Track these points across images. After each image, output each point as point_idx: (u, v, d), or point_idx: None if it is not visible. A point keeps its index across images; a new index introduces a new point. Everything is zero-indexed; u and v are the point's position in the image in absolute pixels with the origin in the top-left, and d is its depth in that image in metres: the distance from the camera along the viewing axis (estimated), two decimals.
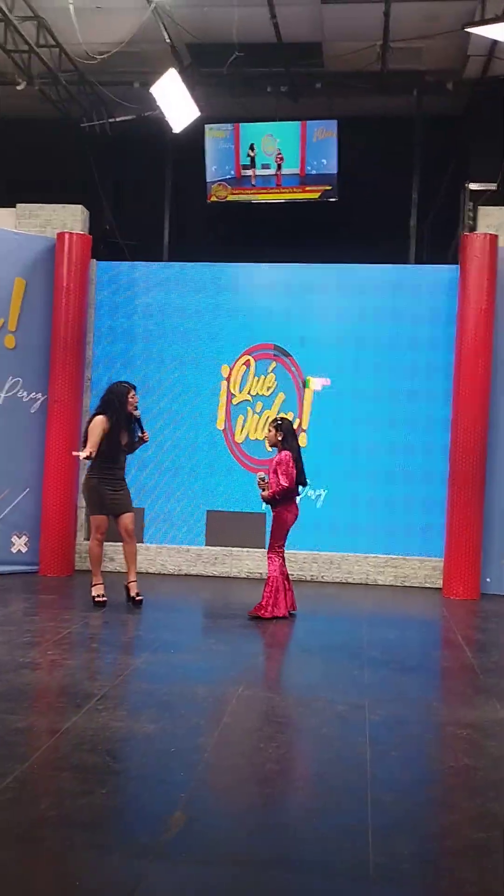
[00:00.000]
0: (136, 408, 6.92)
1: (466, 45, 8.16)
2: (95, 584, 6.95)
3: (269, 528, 7.17)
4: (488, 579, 8.20)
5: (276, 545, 6.83)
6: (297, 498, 6.92)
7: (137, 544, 7.39)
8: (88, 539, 8.71)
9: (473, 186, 8.44)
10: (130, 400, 6.88)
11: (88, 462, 6.90)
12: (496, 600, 7.99)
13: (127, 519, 6.93)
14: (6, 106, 9.48)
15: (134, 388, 7.00)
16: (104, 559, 8.61)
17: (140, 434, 6.97)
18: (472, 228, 8.33)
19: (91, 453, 6.71)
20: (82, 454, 6.78)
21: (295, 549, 8.46)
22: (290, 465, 6.68)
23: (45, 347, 8.43)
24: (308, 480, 6.97)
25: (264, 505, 7.01)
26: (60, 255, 8.41)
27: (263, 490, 6.77)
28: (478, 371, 7.99)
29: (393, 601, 7.93)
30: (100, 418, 6.84)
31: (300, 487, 6.89)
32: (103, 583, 6.99)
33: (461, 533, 8.03)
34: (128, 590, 6.98)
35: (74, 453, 6.84)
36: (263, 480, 6.78)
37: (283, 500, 6.73)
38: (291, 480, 6.67)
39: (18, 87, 8.39)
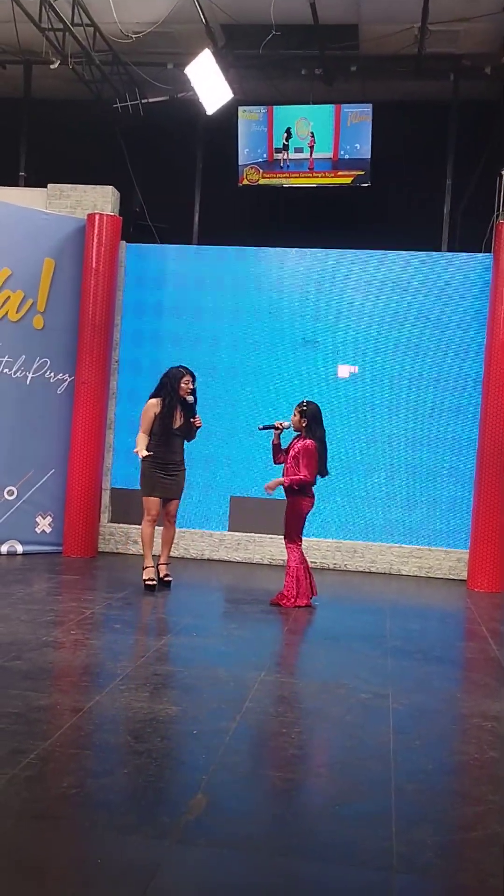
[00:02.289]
0: (189, 393, 6.84)
1: None
2: (146, 568, 6.93)
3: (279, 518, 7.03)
4: None
5: (295, 534, 6.67)
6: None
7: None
8: (113, 521, 8.78)
9: None
10: (183, 385, 6.82)
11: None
12: None
13: (172, 506, 6.96)
14: (39, 86, 9.47)
15: (192, 374, 6.91)
16: (129, 541, 8.67)
17: (192, 419, 6.90)
18: None
19: (147, 452, 6.68)
20: (141, 454, 6.71)
21: (319, 537, 8.45)
22: (314, 456, 6.48)
23: (73, 328, 8.42)
24: (329, 471, 6.74)
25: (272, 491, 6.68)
26: (90, 237, 8.39)
27: (277, 434, 6.61)
28: None
29: (416, 592, 7.87)
30: (152, 401, 6.85)
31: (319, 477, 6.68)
32: (154, 566, 6.97)
33: (487, 524, 7.94)
34: (158, 570, 7.04)
35: (136, 451, 6.79)
36: (282, 427, 6.61)
37: (300, 490, 6.55)
38: (312, 473, 6.47)
39: (52, 67, 8.35)
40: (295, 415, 6.65)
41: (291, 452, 6.57)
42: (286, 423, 6.71)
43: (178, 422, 6.87)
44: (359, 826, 3.04)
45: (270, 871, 2.74)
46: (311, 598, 6.73)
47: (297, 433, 6.67)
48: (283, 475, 6.60)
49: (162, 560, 7.09)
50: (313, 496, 6.68)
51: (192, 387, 6.89)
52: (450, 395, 8.40)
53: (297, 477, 6.46)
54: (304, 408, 6.60)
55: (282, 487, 6.60)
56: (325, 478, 6.62)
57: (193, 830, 2.93)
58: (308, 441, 6.51)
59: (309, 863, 2.79)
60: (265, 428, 6.91)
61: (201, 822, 3.00)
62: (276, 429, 6.69)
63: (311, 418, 6.57)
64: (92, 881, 2.63)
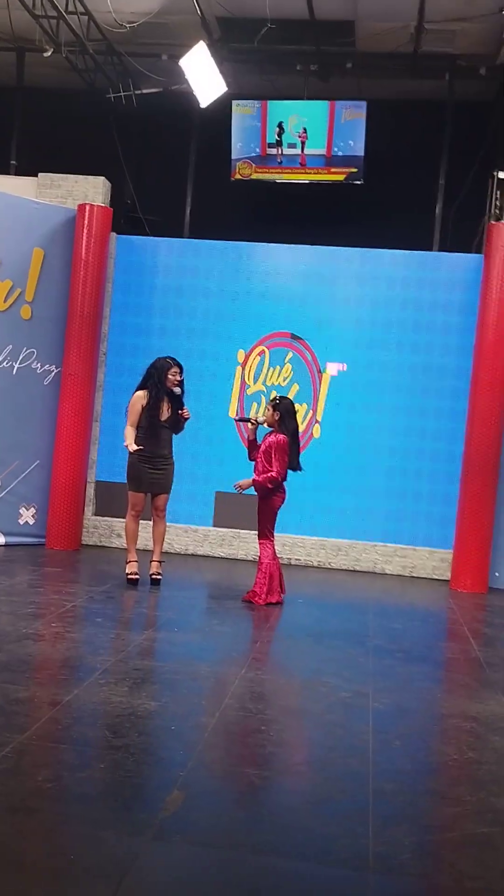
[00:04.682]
0: (177, 385, 6.74)
1: (501, 29, 8.02)
2: (130, 562, 6.85)
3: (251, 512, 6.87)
4: (497, 573, 8.13)
5: (267, 530, 6.60)
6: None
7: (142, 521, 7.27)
8: (97, 514, 8.74)
9: (502, 175, 8.30)
10: (170, 377, 6.73)
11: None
12: None
13: (160, 500, 6.84)
14: (32, 74, 9.39)
15: (179, 365, 6.79)
16: (113, 535, 8.63)
17: (179, 410, 6.79)
18: (499, 218, 8.20)
19: (137, 446, 6.60)
20: (131, 447, 6.63)
21: (303, 535, 8.45)
22: (286, 451, 6.38)
23: (60, 319, 8.36)
24: (302, 466, 6.66)
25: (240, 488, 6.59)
26: (80, 227, 8.33)
27: (252, 428, 6.55)
28: (497, 361, 7.88)
29: (400, 591, 7.87)
30: (138, 394, 6.75)
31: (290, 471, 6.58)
32: (137, 560, 6.88)
33: (472, 525, 7.95)
34: (150, 566, 6.90)
35: (125, 444, 6.73)
36: (257, 422, 6.57)
37: (271, 485, 6.47)
38: (283, 469, 6.40)
39: (45, 55, 8.30)
40: (268, 409, 6.59)
41: (262, 447, 6.50)
42: (261, 419, 6.67)
43: (165, 414, 6.76)
44: (336, 824, 3.03)
45: (246, 869, 2.72)
46: (282, 596, 6.65)
47: (269, 428, 6.60)
48: (254, 472, 6.55)
49: (154, 557, 6.92)
50: (284, 491, 6.60)
51: (179, 378, 6.78)
52: (438, 395, 8.39)
53: (268, 475, 6.37)
54: (277, 402, 6.54)
55: (258, 489, 6.52)
56: (317, 477, 6.58)
57: (169, 827, 2.91)
58: (280, 436, 6.44)
59: (285, 860, 2.77)
60: (241, 420, 6.87)
61: (177, 818, 2.98)
62: (252, 423, 6.64)
63: (284, 412, 6.50)
64: (65, 876, 2.60)
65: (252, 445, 6.64)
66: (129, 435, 6.70)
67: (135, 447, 6.62)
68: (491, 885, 2.72)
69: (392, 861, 2.79)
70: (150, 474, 6.76)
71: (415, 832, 3.02)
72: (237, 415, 6.87)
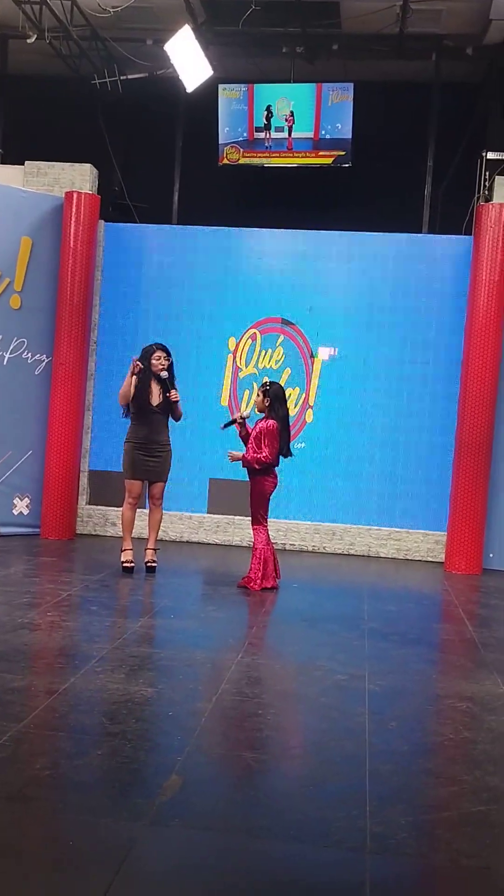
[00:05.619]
0: (163, 369, 6.74)
1: (488, 9, 7.95)
2: (125, 550, 6.86)
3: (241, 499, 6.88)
4: (491, 554, 8.17)
5: (260, 516, 6.60)
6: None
7: (140, 510, 7.27)
8: (91, 503, 8.73)
9: (490, 156, 8.28)
10: (154, 361, 6.73)
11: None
12: (498, 576, 7.96)
13: (156, 488, 6.85)
14: (16, 61, 9.29)
15: (164, 349, 6.82)
16: (107, 523, 8.63)
17: (167, 394, 6.76)
18: (488, 199, 8.19)
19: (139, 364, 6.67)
20: (137, 366, 6.68)
21: (297, 520, 8.46)
22: (276, 436, 6.40)
23: (50, 308, 8.33)
24: (293, 453, 6.70)
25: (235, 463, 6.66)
26: (68, 215, 8.28)
27: (240, 426, 6.55)
28: (488, 343, 7.88)
29: (394, 574, 7.90)
30: (127, 380, 6.77)
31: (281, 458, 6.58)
32: (133, 548, 6.88)
33: (465, 507, 7.97)
34: (144, 554, 6.91)
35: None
36: (243, 419, 6.56)
37: (262, 470, 6.49)
38: (274, 454, 6.41)
39: (29, 41, 8.21)
40: (258, 395, 6.59)
41: (253, 433, 6.51)
42: (246, 413, 6.71)
43: (156, 399, 6.77)
44: (333, 806, 3.05)
45: (244, 852, 2.74)
46: (277, 581, 6.67)
47: (260, 415, 6.60)
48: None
49: (149, 545, 6.94)
50: (276, 476, 6.62)
51: (164, 363, 6.77)
52: (429, 377, 8.39)
53: (258, 456, 6.39)
54: (268, 388, 6.55)
55: (246, 468, 6.52)
56: (310, 462, 6.58)
57: (167, 812, 2.92)
58: (270, 421, 6.45)
59: (283, 843, 2.79)
60: (227, 425, 6.85)
61: (175, 803, 2.99)
62: (238, 422, 6.64)
63: (274, 398, 6.51)
64: (64, 862, 2.62)
65: (246, 440, 6.64)
66: (127, 380, 6.73)
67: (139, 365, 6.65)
68: (488, 863, 2.75)
69: (389, 841, 2.81)
70: (146, 461, 6.76)
71: (411, 812, 3.04)
72: (223, 423, 6.86)
